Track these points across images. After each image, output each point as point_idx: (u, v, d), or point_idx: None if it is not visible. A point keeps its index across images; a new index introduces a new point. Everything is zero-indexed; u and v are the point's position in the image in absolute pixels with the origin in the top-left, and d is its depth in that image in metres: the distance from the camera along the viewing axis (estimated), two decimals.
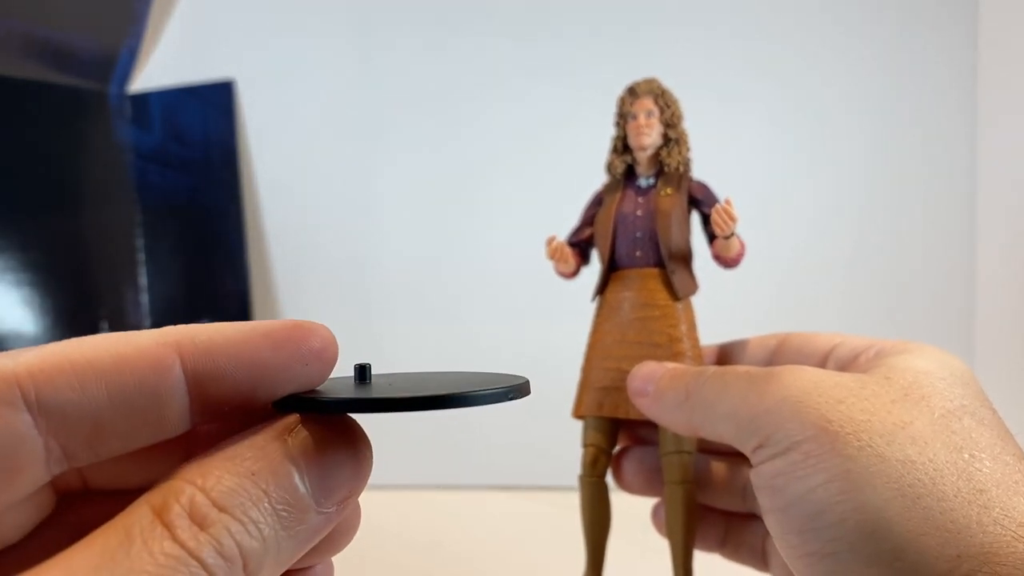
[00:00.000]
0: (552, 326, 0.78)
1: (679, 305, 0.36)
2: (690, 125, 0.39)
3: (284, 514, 0.15)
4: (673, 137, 0.37)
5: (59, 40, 0.84)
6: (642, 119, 0.36)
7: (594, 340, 0.38)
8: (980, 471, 0.22)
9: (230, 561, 0.14)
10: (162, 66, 0.89)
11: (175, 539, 0.14)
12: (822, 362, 0.33)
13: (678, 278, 0.36)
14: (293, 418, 0.17)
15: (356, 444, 0.18)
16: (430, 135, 0.87)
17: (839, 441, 0.22)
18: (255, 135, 0.88)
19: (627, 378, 0.34)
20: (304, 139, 0.89)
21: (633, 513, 0.42)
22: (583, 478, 0.36)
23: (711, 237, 0.36)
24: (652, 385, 0.32)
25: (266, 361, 0.17)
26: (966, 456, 0.22)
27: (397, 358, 0.86)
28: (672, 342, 0.35)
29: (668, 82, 0.38)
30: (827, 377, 0.25)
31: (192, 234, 0.90)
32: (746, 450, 0.26)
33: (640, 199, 0.37)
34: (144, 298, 0.88)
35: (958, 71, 0.77)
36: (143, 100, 0.89)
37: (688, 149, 0.38)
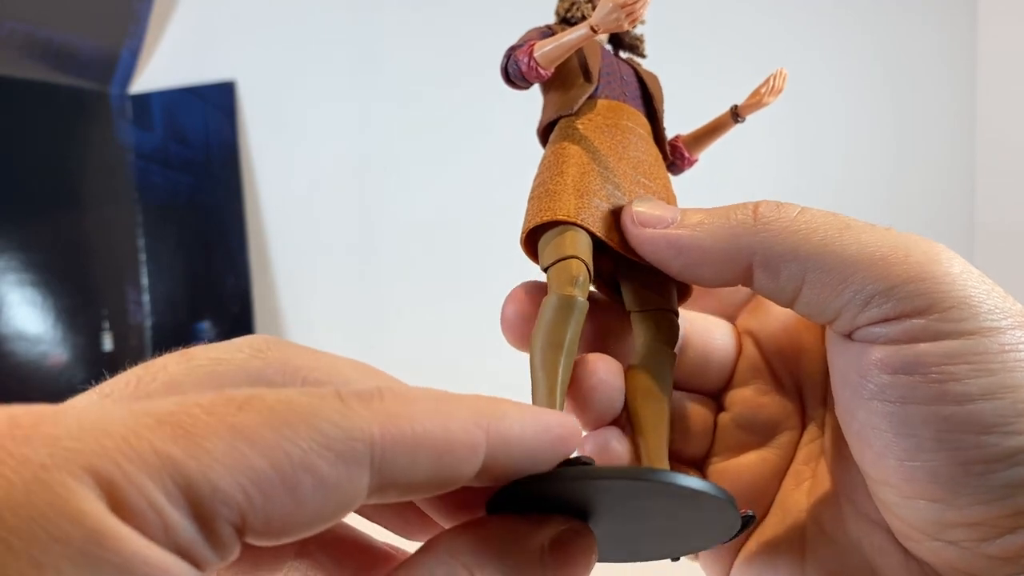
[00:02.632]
0: None
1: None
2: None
3: None
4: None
5: (61, 41, 0.85)
6: None
7: (577, 147, 0.28)
8: None
9: None
10: (163, 67, 0.89)
11: None
12: None
13: (666, 141, 0.30)
14: (555, 529, 0.18)
15: (592, 550, 0.19)
16: (431, 135, 0.87)
17: None
18: (256, 135, 0.88)
19: (627, 207, 0.25)
20: (304, 139, 0.89)
21: None
22: (572, 298, 0.25)
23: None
24: (676, 214, 0.24)
25: (540, 464, 0.18)
26: None
27: (400, 357, 0.86)
28: (667, 191, 0.29)
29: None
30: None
31: (193, 234, 0.90)
32: (872, 316, 0.21)
33: (610, 55, 0.31)
34: (145, 298, 0.89)
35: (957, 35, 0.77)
36: (144, 100, 0.89)
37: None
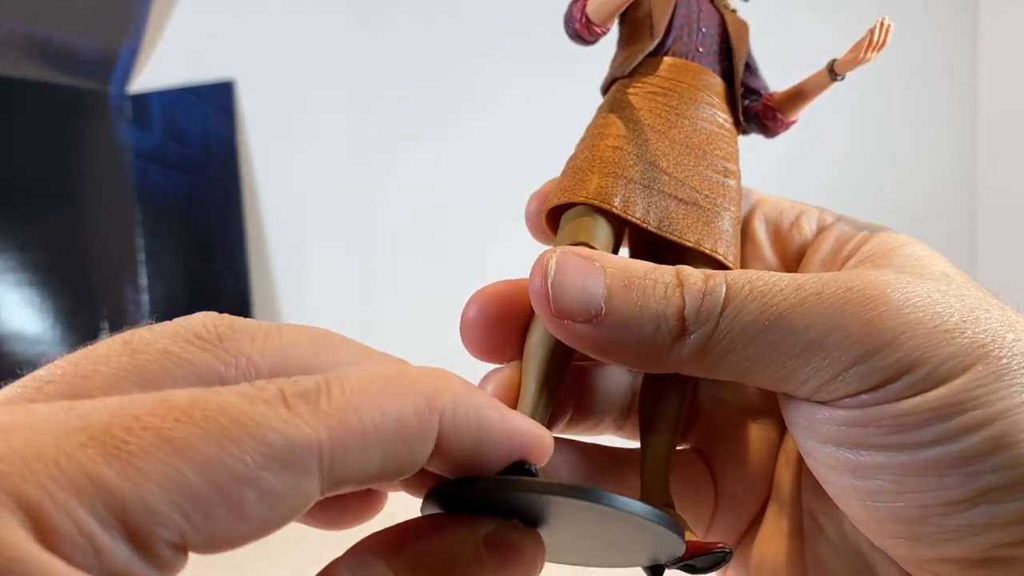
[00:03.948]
0: None
1: (735, 133, 0.26)
2: None
3: None
4: None
5: (60, 40, 0.84)
6: None
7: (615, 120, 0.25)
8: None
9: None
10: (162, 66, 0.89)
11: None
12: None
13: (740, 105, 0.27)
14: (490, 525, 0.17)
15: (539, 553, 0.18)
16: (431, 135, 0.87)
17: (1013, 363, 0.19)
18: (255, 135, 0.88)
19: (537, 264, 0.21)
20: (304, 139, 0.89)
21: None
22: None
23: (745, 91, 0.28)
24: (600, 301, 0.20)
25: (490, 465, 0.17)
26: None
27: (400, 356, 0.86)
28: (727, 161, 0.25)
29: None
30: (923, 287, 0.20)
31: (192, 234, 0.90)
32: (843, 389, 0.20)
33: (692, 1, 0.27)
34: (144, 298, 0.89)
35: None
36: (143, 100, 0.89)
37: None
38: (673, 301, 0.20)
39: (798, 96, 0.27)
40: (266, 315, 0.89)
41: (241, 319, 0.18)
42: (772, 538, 0.25)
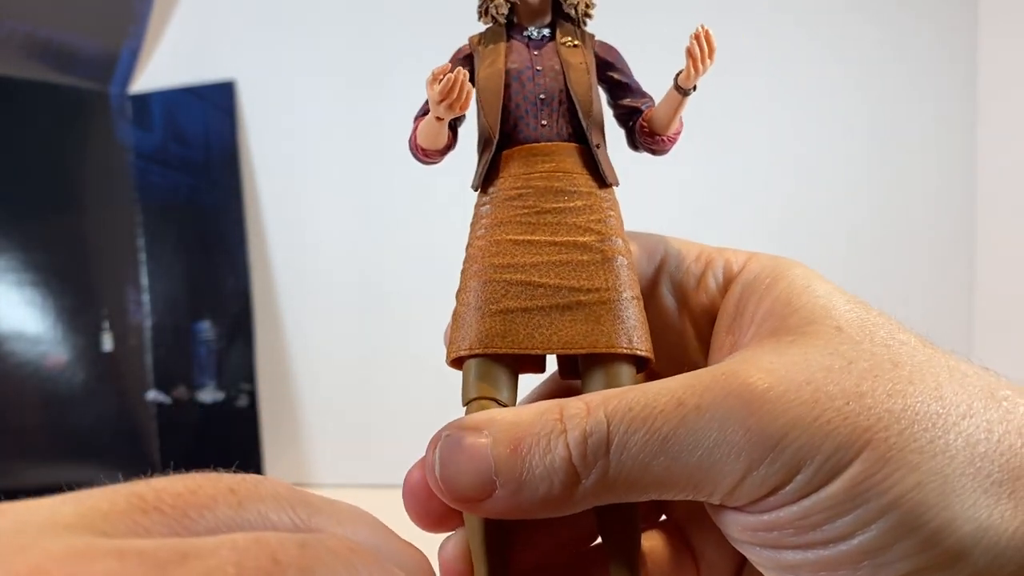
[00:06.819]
0: None
1: (606, 194, 0.25)
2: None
3: None
4: None
5: (61, 41, 0.84)
6: None
7: (481, 247, 0.25)
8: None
9: None
10: (163, 66, 0.89)
11: None
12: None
13: (603, 156, 0.26)
14: None
15: None
16: None
17: (901, 440, 0.19)
18: (256, 135, 0.88)
19: (428, 450, 0.22)
20: (304, 139, 0.89)
21: None
22: None
23: (627, 113, 0.27)
24: (491, 477, 0.21)
25: None
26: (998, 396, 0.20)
27: (400, 356, 0.86)
28: (604, 240, 0.24)
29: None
30: (806, 368, 0.20)
31: (193, 234, 0.90)
32: (744, 497, 0.20)
33: (535, 52, 0.26)
34: (145, 298, 0.89)
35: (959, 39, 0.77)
36: (144, 100, 0.89)
37: None
38: (559, 453, 0.20)
39: (661, 117, 0.26)
40: (266, 315, 0.89)
41: (307, 493, 0.18)
42: None
